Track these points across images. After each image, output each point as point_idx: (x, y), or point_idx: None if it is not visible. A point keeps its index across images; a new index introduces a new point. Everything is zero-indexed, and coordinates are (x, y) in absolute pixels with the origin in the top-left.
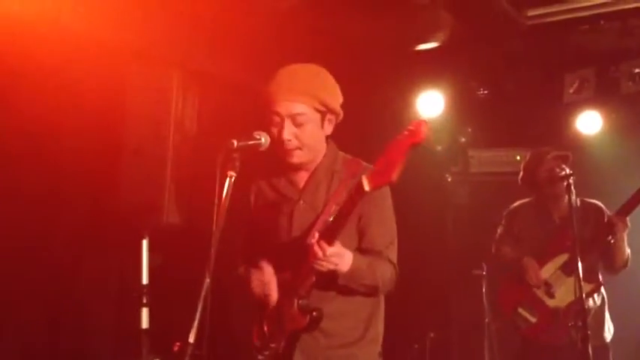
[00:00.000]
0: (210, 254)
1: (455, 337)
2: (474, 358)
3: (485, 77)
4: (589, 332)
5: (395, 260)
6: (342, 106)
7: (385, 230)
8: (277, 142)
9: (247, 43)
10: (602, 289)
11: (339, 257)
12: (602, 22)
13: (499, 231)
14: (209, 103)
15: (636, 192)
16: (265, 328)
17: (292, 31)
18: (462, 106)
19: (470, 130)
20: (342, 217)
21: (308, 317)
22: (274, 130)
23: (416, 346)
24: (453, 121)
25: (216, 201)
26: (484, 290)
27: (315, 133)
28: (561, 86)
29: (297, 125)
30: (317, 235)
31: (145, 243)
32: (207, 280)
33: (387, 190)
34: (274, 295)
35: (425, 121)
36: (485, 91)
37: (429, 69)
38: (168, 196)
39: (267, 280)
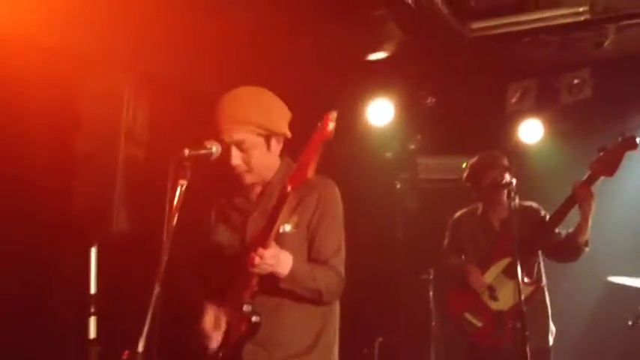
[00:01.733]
0: (161, 263)
1: (403, 342)
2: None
3: (434, 86)
4: (527, 333)
5: (341, 269)
6: (295, 118)
7: (332, 239)
8: (227, 166)
9: (200, 50)
10: (546, 292)
11: (275, 258)
12: (541, 35)
13: (445, 242)
14: (162, 110)
15: (570, 196)
16: (215, 339)
17: (244, 39)
18: (411, 114)
19: (419, 137)
20: (271, 219)
21: (245, 324)
22: (225, 155)
23: (365, 350)
24: (403, 128)
25: (167, 209)
26: (431, 294)
27: (262, 155)
28: (504, 96)
29: (243, 151)
30: (251, 240)
31: (93, 251)
32: (157, 289)
33: (337, 200)
34: (213, 345)
35: (330, 114)
36: (434, 100)
37: (379, 78)
38: (118, 204)
39: (213, 336)
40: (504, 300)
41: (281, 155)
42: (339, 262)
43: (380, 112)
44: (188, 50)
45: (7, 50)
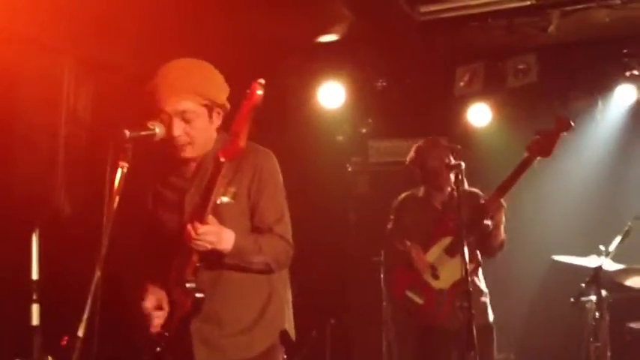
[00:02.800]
0: (101, 247)
1: (354, 323)
2: (373, 341)
3: (384, 70)
4: (474, 312)
5: (287, 235)
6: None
7: (274, 206)
8: (167, 138)
9: (144, 32)
10: (480, 270)
11: (215, 235)
12: (489, 19)
13: (389, 226)
14: (105, 93)
15: (511, 173)
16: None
17: (191, 21)
18: (362, 97)
19: (370, 121)
20: (206, 193)
21: (190, 300)
22: (164, 129)
23: (314, 332)
24: (354, 112)
25: (107, 192)
26: (382, 276)
27: (204, 127)
28: (453, 79)
29: (186, 121)
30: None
31: (35, 235)
32: (98, 274)
33: (274, 166)
34: (156, 325)
35: (259, 82)
36: (384, 83)
37: (329, 61)
38: (59, 188)
39: (155, 316)
40: (445, 279)
41: (217, 130)
42: (284, 230)
43: (331, 96)
44: (130, 32)
45: None
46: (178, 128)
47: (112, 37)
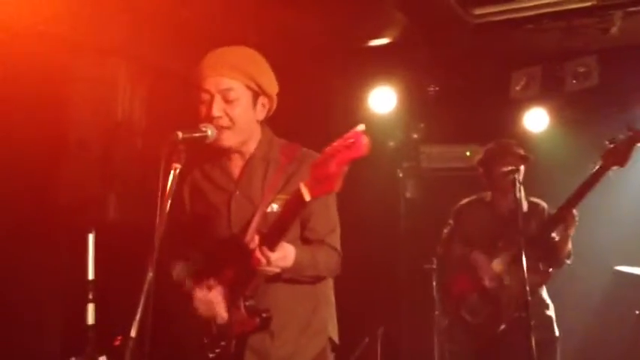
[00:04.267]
0: (153, 247)
1: (405, 331)
2: (424, 351)
3: (436, 74)
4: (533, 323)
5: (338, 246)
6: (295, 102)
7: (327, 218)
8: (207, 121)
9: (197, 36)
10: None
11: (285, 260)
12: (546, 21)
13: (446, 230)
14: (159, 97)
15: (581, 185)
16: (213, 328)
17: (242, 26)
18: (414, 102)
19: (422, 126)
20: (284, 224)
21: (258, 320)
22: (203, 109)
23: (367, 339)
24: (405, 117)
25: (159, 194)
26: (434, 284)
27: (247, 113)
28: (508, 84)
29: (227, 102)
30: (256, 238)
31: (91, 238)
32: (150, 274)
33: None
34: (223, 315)
35: (363, 132)
36: (436, 88)
37: (381, 65)
38: (114, 191)
39: (216, 301)
40: (511, 290)
41: (261, 125)
42: (336, 240)
43: (382, 100)
44: (185, 36)
45: (6, 35)
46: (219, 108)
47: (167, 41)
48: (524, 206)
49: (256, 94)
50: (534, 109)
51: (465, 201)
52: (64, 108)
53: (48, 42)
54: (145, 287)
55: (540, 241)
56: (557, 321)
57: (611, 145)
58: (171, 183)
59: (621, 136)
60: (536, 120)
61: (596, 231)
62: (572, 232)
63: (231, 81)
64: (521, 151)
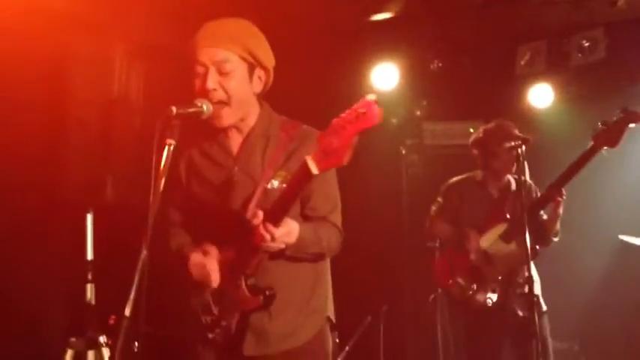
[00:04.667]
0: (148, 225)
1: (408, 309)
2: (428, 329)
3: (440, 50)
4: (536, 299)
5: (339, 224)
6: (296, 80)
7: (328, 196)
8: (201, 94)
9: (195, 14)
10: None
11: (289, 235)
12: None
13: (435, 207)
14: (157, 74)
15: (571, 164)
16: (213, 307)
17: (243, 2)
18: (417, 78)
19: (425, 103)
20: (288, 198)
21: (261, 297)
22: (198, 83)
23: (369, 318)
24: (408, 93)
25: (153, 170)
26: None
27: (243, 85)
28: (513, 60)
29: (222, 74)
30: (260, 214)
31: (89, 218)
32: (144, 252)
33: None
34: (216, 278)
35: (376, 102)
36: (440, 64)
37: (383, 41)
38: (112, 169)
39: (209, 265)
40: (500, 266)
41: (259, 100)
42: (337, 218)
43: (385, 77)
44: (181, 13)
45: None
46: (214, 80)
47: (163, 19)
48: (513, 185)
49: (252, 67)
50: (539, 84)
51: (455, 179)
52: (62, 86)
53: (45, 19)
54: (139, 266)
55: (529, 219)
56: (557, 294)
57: (603, 127)
58: (166, 159)
59: (614, 118)
60: (541, 96)
61: (597, 200)
62: (560, 210)
63: (226, 52)
64: (521, 135)
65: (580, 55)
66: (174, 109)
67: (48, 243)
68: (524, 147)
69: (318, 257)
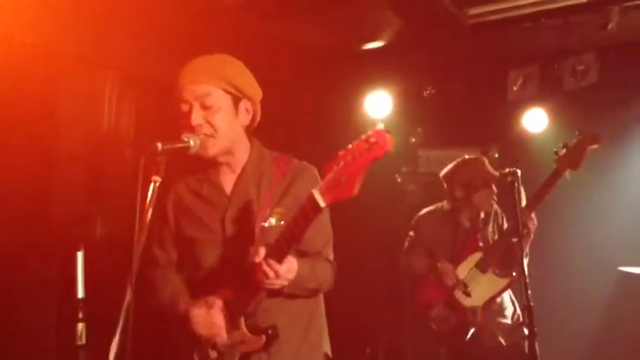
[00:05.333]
0: (132, 266)
1: (409, 339)
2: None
3: (432, 77)
4: (536, 329)
5: (332, 257)
6: (289, 110)
7: (322, 230)
8: (187, 131)
9: (186, 45)
10: None
11: (292, 272)
12: (542, 19)
13: (407, 242)
14: (148, 109)
15: (540, 186)
16: (211, 352)
17: (234, 33)
18: (411, 106)
19: (419, 130)
20: (294, 234)
21: (264, 337)
22: (183, 120)
23: (368, 350)
24: (402, 121)
25: (138, 208)
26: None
27: (228, 118)
28: (506, 84)
29: (206, 108)
30: (262, 251)
31: (80, 255)
32: (129, 295)
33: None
34: (223, 335)
35: (387, 131)
36: (433, 91)
37: (375, 69)
38: (103, 205)
39: (217, 321)
40: (478, 296)
41: (249, 135)
42: (330, 252)
43: (378, 105)
44: (173, 46)
45: None
46: (198, 116)
47: (154, 52)
48: (482, 214)
49: (237, 98)
50: (533, 109)
51: (424, 211)
52: (52, 122)
53: (34, 55)
54: (124, 308)
55: (499, 245)
56: (556, 326)
57: (564, 150)
58: (151, 197)
59: (573, 141)
60: (535, 120)
61: (599, 231)
62: (530, 236)
63: (207, 86)
64: (491, 170)
65: (572, 79)
66: (159, 145)
67: (37, 281)
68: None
69: (314, 293)
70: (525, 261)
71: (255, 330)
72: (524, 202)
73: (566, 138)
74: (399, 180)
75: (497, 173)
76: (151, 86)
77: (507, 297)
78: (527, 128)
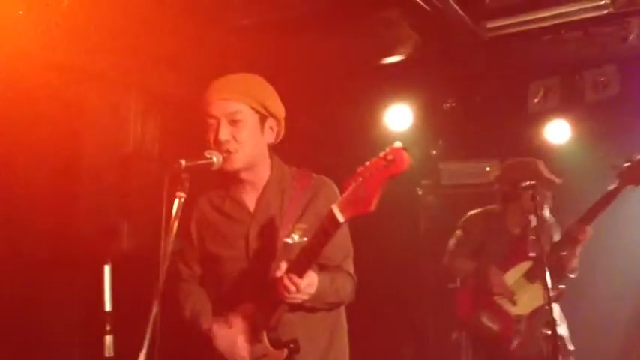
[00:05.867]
0: (158, 279)
1: (431, 352)
2: None
3: (452, 89)
4: (559, 342)
5: (352, 270)
6: (310, 124)
7: (342, 244)
8: (215, 146)
9: (209, 62)
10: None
11: (312, 287)
12: (562, 31)
13: (452, 242)
14: (171, 126)
15: (598, 201)
16: None
17: (255, 49)
18: (431, 119)
19: (440, 142)
20: (315, 250)
21: (286, 351)
22: (211, 136)
23: None
24: (423, 134)
25: (163, 224)
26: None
27: (255, 135)
28: (526, 96)
29: (234, 124)
30: (284, 266)
31: (107, 269)
32: (155, 309)
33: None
34: (245, 356)
35: (404, 149)
36: (453, 104)
37: (395, 83)
38: (129, 220)
39: (239, 342)
40: (524, 304)
41: (270, 152)
42: (350, 265)
43: (398, 118)
44: (192, 66)
45: (15, 66)
46: (226, 132)
47: (176, 71)
48: (533, 222)
49: (263, 117)
50: (555, 120)
51: (475, 211)
52: (78, 139)
53: (60, 72)
54: (151, 321)
55: (549, 256)
56: (584, 339)
57: (628, 164)
58: (176, 212)
59: (638, 156)
60: (557, 132)
61: (626, 240)
62: (579, 249)
63: (237, 104)
64: (546, 173)
65: (594, 91)
66: (183, 162)
67: (64, 294)
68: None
69: (335, 306)
70: (572, 275)
71: (277, 344)
72: (546, 213)
73: (589, 149)
74: (419, 193)
75: (552, 177)
76: (175, 104)
77: (557, 309)
78: (550, 140)
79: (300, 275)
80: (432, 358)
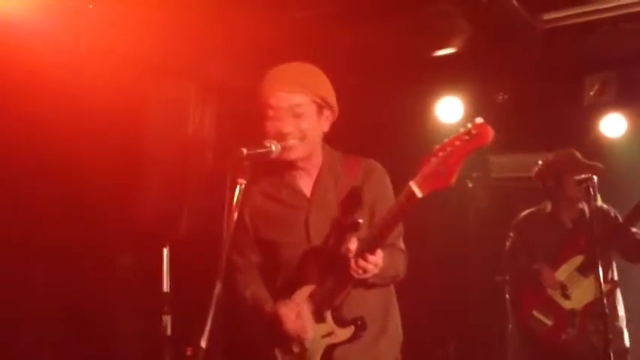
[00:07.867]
0: (221, 262)
1: (478, 344)
2: None
3: (505, 82)
4: (611, 336)
5: (403, 246)
6: (361, 115)
7: None
8: (277, 137)
9: (265, 53)
10: (618, 291)
11: (380, 264)
12: (621, 24)
13: (509, 243)
14: (228, 114)
15: None
16: (294, 346)
17: (309, 41)
18: (482, 111)
19: None
20: (390, 226)
21: (353, 328)
22: (269, 125)
23: (438, 351)
24: None
25: (226, 209)
26: (507, 296)
27: (315, 126)
28: (581, 89)
29: (296, 116)
30: (353, 245)
31: (165, 252)
32: (218, 287)
33: (388, 180)
34: (310, 334)
35: (485, 123)
36: (505, 96)
37: (447, 75)
38: (187, 204)
39: (305, 320)
40: (577, 299)
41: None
42: (402, 242)
43: (449, 110)
44: (249, 56)
45: (83, 59)
46: (289, 123)
47: (234, 62)
48: (587, 213)
49: (321, 107)
50: (611, 114)
51: (524, 213)
52: (139, 126)
53: (125, 64)
54: (214, 300)
55: (607, 245)
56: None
57: None
58: (237, 198)
59: None
60: (613, 125)
61: None
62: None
63: (299, 96)
64: (589, 162)
65: None
66: (244, 150)
67: (125, 276)
68: (595, 178)
69: (391, 280)
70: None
71: (342, 322)
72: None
73: None
74: (469, 185)
75: (592, 162)
76: (231, 93)
77: (620, 302)
78: (605, 133)
79: (373, 253)
80: (477, 349)
